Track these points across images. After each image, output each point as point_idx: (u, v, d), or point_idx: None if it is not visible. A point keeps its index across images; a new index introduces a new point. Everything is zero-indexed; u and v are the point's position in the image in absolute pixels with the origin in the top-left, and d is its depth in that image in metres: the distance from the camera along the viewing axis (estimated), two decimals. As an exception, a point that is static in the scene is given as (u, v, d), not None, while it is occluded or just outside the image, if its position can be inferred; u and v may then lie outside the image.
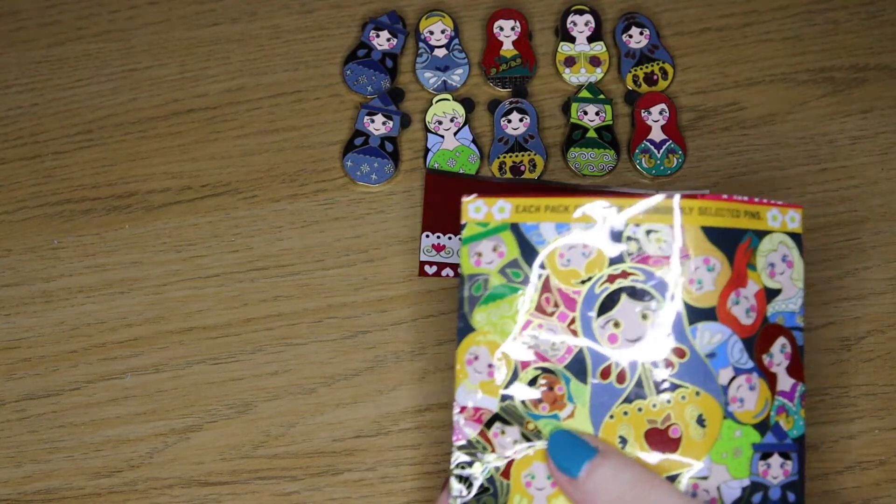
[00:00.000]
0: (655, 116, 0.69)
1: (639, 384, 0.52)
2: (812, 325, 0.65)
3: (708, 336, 0.52)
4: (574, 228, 0.52)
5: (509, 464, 0.51)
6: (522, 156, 0.68)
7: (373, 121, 0.69)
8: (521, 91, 0.70)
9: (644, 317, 0.52)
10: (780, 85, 0.71)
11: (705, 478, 0.51)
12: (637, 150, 0.68)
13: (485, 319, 0.52)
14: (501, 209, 0.53)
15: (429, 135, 0.69)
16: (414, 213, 0.67)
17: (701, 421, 0.51)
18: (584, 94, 0.70)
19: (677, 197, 0.52)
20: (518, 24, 0.72)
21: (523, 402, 0.52)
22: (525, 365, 0.52)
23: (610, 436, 0.51)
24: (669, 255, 0.52)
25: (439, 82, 0.70)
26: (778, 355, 0.53)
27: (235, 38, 0.72)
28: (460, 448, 0.51)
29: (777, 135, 0.69)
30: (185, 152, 0.69)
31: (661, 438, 0.51)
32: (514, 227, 0.52)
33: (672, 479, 0.51)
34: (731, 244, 0.52)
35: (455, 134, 0.69)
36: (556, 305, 0.52)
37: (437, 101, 0.69)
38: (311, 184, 0.68)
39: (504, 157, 0.68)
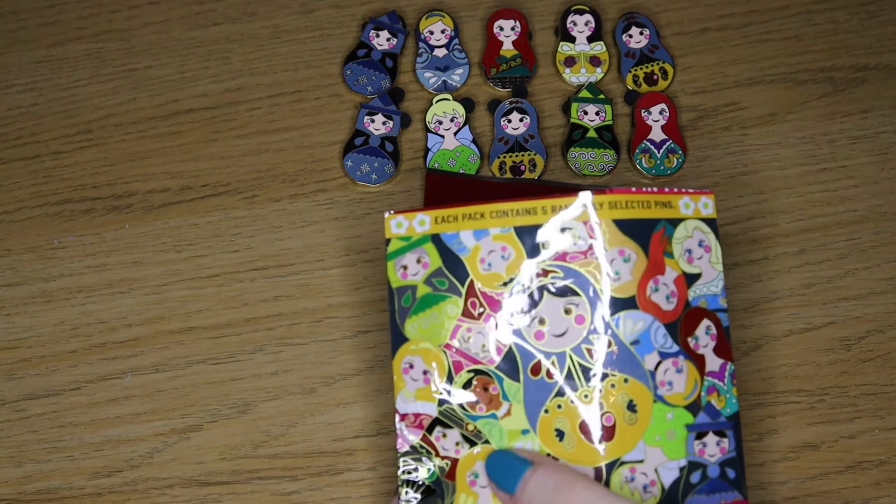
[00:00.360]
0: (655, 116, 0.69)
1: (569, 377, 0.54)
2: (812, 325, 0.65)
3: (630, 324, 0.54)
4: (491, 233, 0.55)
5: (453, 465, 0.54)
6: (522, 156, 0.68)
7: (373, 121, 0.69)
8: (521, 91, 0.70)
9: (567, 311, 0.54)
10: (780, 85, 0.71)
11: (641, 461, 0.53)
12: (637, 150, 0.68)
13: (416, 329, 0.54)
14: (422, 222, 0.55)
15: (429, 135, 0.69)
16: (414, 213, 0.67)
17: (632, 407, 0.53)
18: (584, 93, 0.70)
19: (587, 194, 0.54)
20: (518, 23, 0.72)
21: (461, 404, 0.54)
22: (458, 369, 0.54)
23: (547, 429, 0.53)
24: (585, 251, 0.54)
25: (439, 82, 0.70)
26: (703, 337, 0.55)
27: (235, 38, 0.72)
28: (405, 454, 0.54)
29: (777, 135, 0.69)
30: (185, 152, 0.69)
31: (595, 428, 0.53)
32: (436, 238, 0.55)
33: (611, 465, 0.53)
34: (645, 234, 0.55)
35: (455, 134, 0.69)
36: (482, 308, 0.54)
37: (437, 101, 0.69)
38: (311, 184, 0.68)
39: (504, 156, 0.68)
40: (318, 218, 0.67)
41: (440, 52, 0.71)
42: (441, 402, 0.54)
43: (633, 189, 0.55)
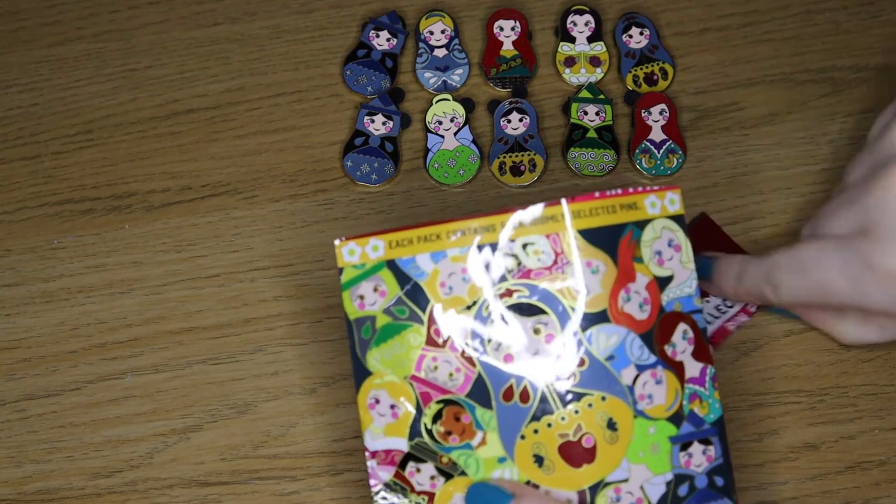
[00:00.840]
0: (655, 116, 0.69)
1: (543, 400, 0.51)
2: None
3: (604, 339, 0.52)
4: (449, 255, 0.52)
5: (430, 499, 0.52)
6: (522, 156, 0.68)
7: (373, 121, 0.69)
8: (521, 91, 0.70)
9: (536, 332, 0.52)
10: (780, 85, 0.71)
11: (625, 480, 0.51)
12: (637, 151, 0.68)
13: (378, 361, 0.52)
14: (375, 248, 0.53)
15: (429, 135, 0.69)
16: (414, 212, 0.67)
17: (612, 425, 0.51)
18: (584, 94, 0.70)
19: (540, 207, 0.51)
20: (518, 24, 0.72)
21: (432, 437, 0.52)
22: (427, 400, 0.52)
23: (524, 456, 0.51)
24: (550, 266, 0.52)
25: (439, 82, 0.70)
26: (681, 343, 0.53)
27: (235, 38, 0.72)
28: (378, 493, 0.52)
29: (777, 135, 0.69)
30: (185, 152, 0.69)
31: (575, 450, 0.51)
32: (391, 264, 0.52)
33: (595, 487, 0.51)
34: (612, 241, 0.52)
35: (455, 134, 0.69)
36: (447, 336, 0.52)
37: (437, 101, 0.69)
38: (311, 184, 0.68)
39: (504, 157, 0.68)
40: (318, 218, 0.67)
41: (440, 53, 0.71)
42: (412, 436, 0.52)
43: (597, 194, 0.52)
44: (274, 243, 0.67)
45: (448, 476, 0.52)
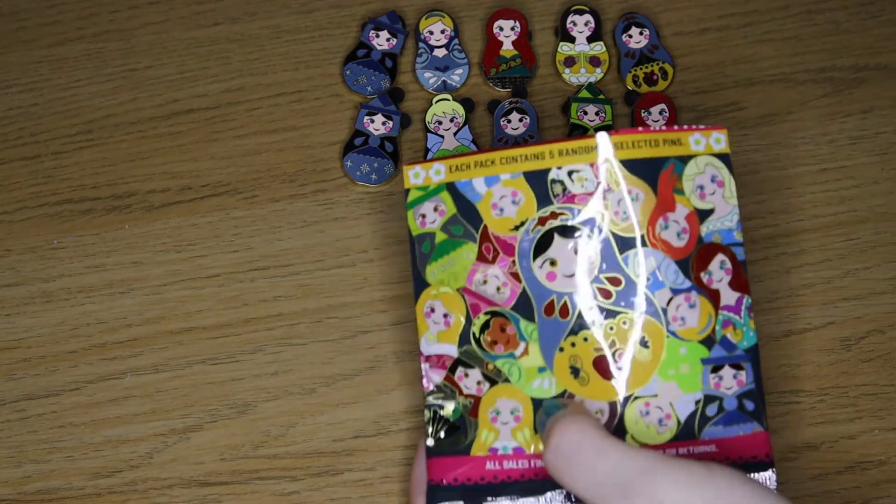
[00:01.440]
0: (655, 116, 0.69)
1: (581, 316, 0.55)
2: (812, 325, 0.65)
3: (641, 262, 0.55)
4: (502, 179, 0.56)
5: (476, 403, 0.55)
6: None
7: (373, 121, 0.69)
8: (520, 91, 0.70)
9: (576, 252, 0.55)
10: (780, 85, 0.71)
11: (655, 395, 0.54)
12: (637, 150, 0.68)
13: (435, 274, 0.56)
14: (437, 171, 0.57)
15: (429, 135, 0.69)
16: (414, 213, 0.67)
17: (644, 342, 0.54)
18: (584, 94, 0.70)
19: (596, 136, 0.55)
20: (518, 24, 0.72)
21: (480, 345, 0.56)
22: (476, 311, 0.56)
23: (562, 367, 0.55)
24: (592, 192, 0.55)
25: (439, 82, 0.70)
26: (717, 272, 0.55)
27: (235, 38, 0.72)
28: (430, 394, 0.55)
29: (777, 135, 0.69)
30: (185, 152, 0.69)
31: (608, 364, 0.54)
32: (451, 186, 0.56)
33: (626, 400, 0.54)
34: (654, 173, 0.55)
35: (455, 134, 0.69)
36: (496, 253, 0.56)
37: (437, 101, 0.69)
38: (310, 184, 0.68)
39: (504, 157, 0.68)
40: (317, 218, 0.67)
41: (440, 53, 0.71)
42: (461, 343, 0.56)
43: (640, 129, 0.55)
44: (274, 243, 0.67)
45: (493, 382, 0.55)
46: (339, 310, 0.65)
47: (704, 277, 0.55)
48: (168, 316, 0.65)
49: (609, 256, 0.55)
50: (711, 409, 0.54)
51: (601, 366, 0.54)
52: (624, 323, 0.55)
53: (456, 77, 0.70)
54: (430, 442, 0.55)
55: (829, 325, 0.65)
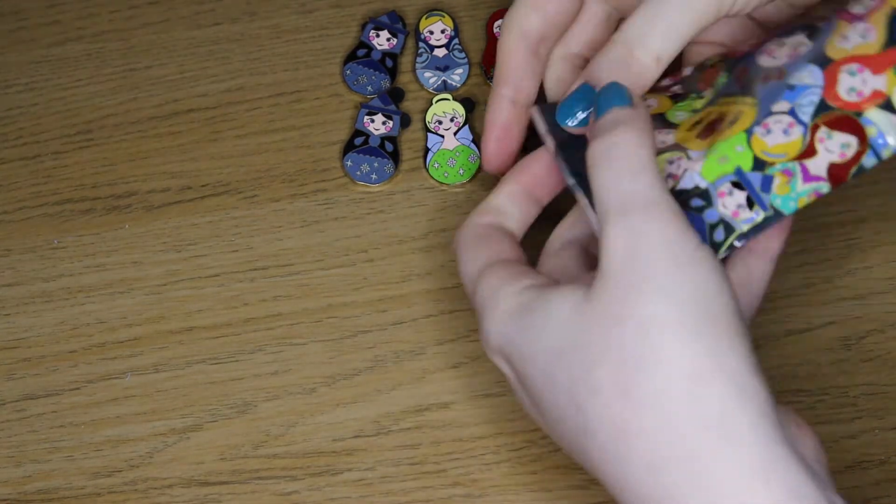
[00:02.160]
0: (655, 116, 0.69)
1: (745, 85, 0.55)
2: (812, 325, 0.65)
3: (804, 73, 0.53)
4: None
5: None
6: (522, 155, 0.68)
7: (373, 121, 0.69)
8: (521, 91, 0.70)
9: (793, 47, 0.54)
10: (780, 85, 0.71)
11: (688, 157, 0.54)
12: (637, 150, 0.68)
13: None
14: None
15: (429, 135, 0.69)
16: (414, 212, 0.67)
17: (732, 122, 0.54)
18: (584, 93, 0.70)
19: None
20: (518, 24, 0.72)
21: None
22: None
23: (697, 120, 0.55)
24: (862, 17, 0.53)
25: (439, 82, 0.70)
26: (834, 145, 0.53)
27: (235, 38, 0.72)
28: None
29: (777, 135, 0.69)
30: (185, 152, 0.69)
31: (711, 127, 0.54)
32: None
33: (675, 147, 0.54)
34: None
35: (455, 134, 0.69)
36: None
37: (437, 101, 0.69)
38: (311, 184, 0.68)
39: (504, 156, 0.68)
40: (318, 218, 0.67)
41: (440, 52, 0.71)
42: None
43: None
44: (274, 243, 0.67)
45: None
46: (338, 310, 0.65)
47: (820, 134, 0.52)
48: (168, 316, 0.65)
49: (800, 56, 0.54)
50: (696, 202, 0.53)
51: (708, 128, 0.54)
52: (735, 102, 0.54)
53: (456, 77, 0.70)
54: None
55: (829, 325, 0.65)
